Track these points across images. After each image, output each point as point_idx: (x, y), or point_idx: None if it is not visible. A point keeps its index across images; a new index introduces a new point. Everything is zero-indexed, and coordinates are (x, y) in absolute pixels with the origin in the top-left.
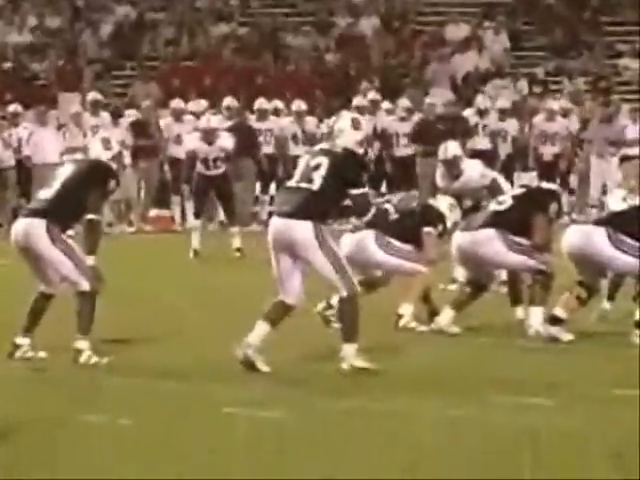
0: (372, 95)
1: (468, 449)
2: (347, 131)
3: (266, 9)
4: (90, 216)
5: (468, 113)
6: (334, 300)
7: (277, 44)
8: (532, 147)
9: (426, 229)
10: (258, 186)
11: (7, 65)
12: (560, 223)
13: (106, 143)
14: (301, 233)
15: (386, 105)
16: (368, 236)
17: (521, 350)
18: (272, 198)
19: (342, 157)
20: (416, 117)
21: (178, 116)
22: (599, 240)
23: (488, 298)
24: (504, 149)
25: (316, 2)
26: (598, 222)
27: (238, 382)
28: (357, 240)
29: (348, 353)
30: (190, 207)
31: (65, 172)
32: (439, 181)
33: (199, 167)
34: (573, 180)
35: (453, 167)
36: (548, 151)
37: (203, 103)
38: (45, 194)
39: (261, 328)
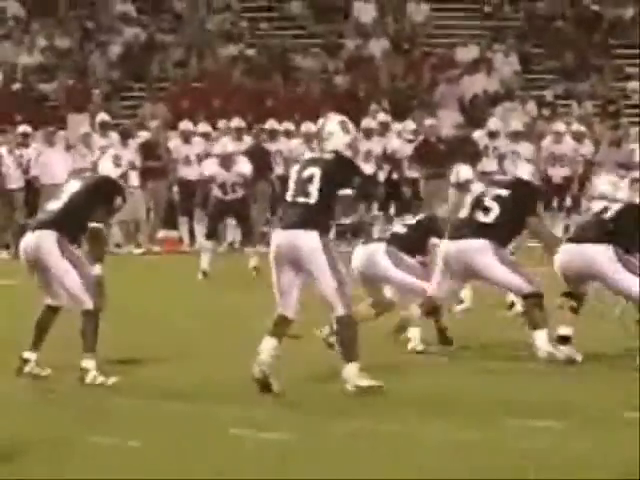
0: (381, 117)
1: (475, 472)
2: (336, 134)
3: (275, 31)
4: (91, 225)
5: (477, 135)
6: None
7: (286, 65)
8: (541, 170)
9: (433, 240)
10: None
11: (16, 86)
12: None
13: (116, 160)
14: (308, 243)
15: (396, 127)
16: (379, 250)
17: (530, 373)
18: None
19: (332, 163)
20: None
21: (187, 137)
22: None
23: (497, 319)
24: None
25: (325, 24)
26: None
27: (245, 403)
28: (368, 254)
29: (350, 373)
30: (200, 229)
31: (73, 186)
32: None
33: (216, 191)
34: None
35: (465, 191)
36: (557, 173)
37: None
38: (53, 206)
39: (269, 343)
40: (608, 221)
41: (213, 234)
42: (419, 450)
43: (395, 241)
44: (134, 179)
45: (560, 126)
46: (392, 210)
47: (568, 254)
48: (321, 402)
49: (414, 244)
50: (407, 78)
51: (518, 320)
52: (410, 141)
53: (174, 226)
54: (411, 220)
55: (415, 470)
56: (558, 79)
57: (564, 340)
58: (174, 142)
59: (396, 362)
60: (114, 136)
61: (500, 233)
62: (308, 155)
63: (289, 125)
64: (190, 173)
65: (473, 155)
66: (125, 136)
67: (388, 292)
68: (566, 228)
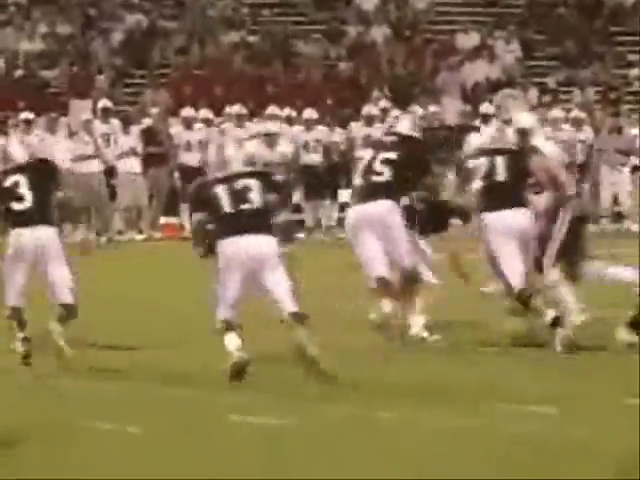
0: (383, 104)
1: (471, 458)
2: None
3: (277, 17)
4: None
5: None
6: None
7: (288, 52)
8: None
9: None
10: None
11: (18, 73)
12: None
13: None
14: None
15: (395, 113)
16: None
17: (526, 358)
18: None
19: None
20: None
21: (188, 124)
22: None
23: (492, 307)
24: None
25: (327, 11)
26: None
27: (244, 389)
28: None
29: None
30: None
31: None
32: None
33: None
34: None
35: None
36: None
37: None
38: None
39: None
40: None
41: None
42: (416, 436)
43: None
44: (136, 166)
45: (558, 113)
46: None
47: None
48: (319, 388)
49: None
50: (408, 65)
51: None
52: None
53: (175, 212)
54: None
55: (412, 456)
56: (560, 66)
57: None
58: (175, 128)
59: (392, 348)
60: (115, 123)
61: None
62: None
63: (290, 111)
64: (191, 159)
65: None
66: (127, 123)
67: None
68: None
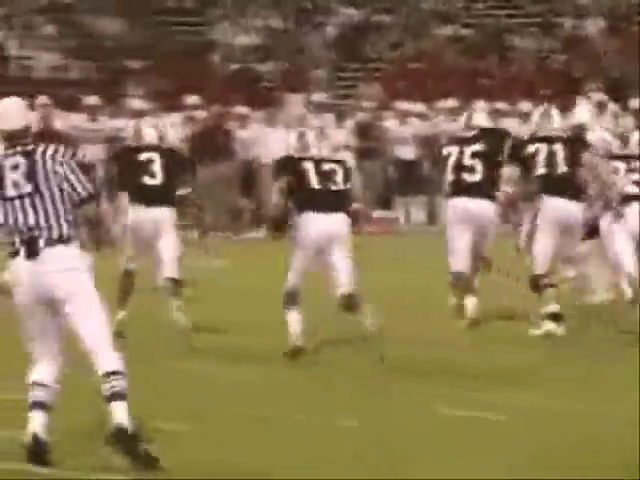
0: (598, 97)
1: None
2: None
3: (491, 10)
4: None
5: None
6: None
7: (502, 45)
8: None
9: None
10: None
11: (233, 66)
12: None
13: None
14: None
15: (612, 107)
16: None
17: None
18: None
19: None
20: None
21: (403, 118)
22: None
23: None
24: None
25: (542, 3)
26: None
27: (445, 377)
28: None
29: None
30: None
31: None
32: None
33: None
34: None
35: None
36: None
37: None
38: None
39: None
40: None
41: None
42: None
43: None
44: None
45: None
46: None
47: None
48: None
49: None
50: (623, 57)
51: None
52: None
53: (389, 206)
54: None
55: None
56: None
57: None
58: (390, 122)
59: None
60: (329, 117)
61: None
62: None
63: (504, 105)
64: (406, 153)
65: None
66: (340, 117)
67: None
68: None
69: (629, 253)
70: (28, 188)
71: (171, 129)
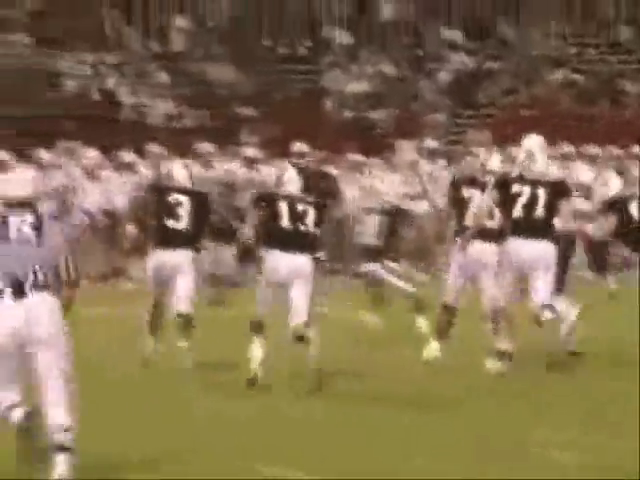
0: None
1: None
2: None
3: (603, 56)
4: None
5: None
6: None
7: (614, 91)
8: None
9: None
10: None
11: (346, 114)
12: None
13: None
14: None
15: None
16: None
17: None
18: None
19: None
20: None
21: (512, 161)
22: None
23: None
24: None
25: None
26: None
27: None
28: None
29: None
30: None
31: None
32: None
33: None
34: None
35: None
36: None
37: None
38: None
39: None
40: None
41: None
42: None
43: None
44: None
45: None
46: None
47: None
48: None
49: None
50: None
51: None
52: None
53: None
54: None
55: None
56: None
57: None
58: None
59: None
60: (441, 162)
61: None
62: None
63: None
64: None
65: None
66: (451, 162)
67: None
68: None
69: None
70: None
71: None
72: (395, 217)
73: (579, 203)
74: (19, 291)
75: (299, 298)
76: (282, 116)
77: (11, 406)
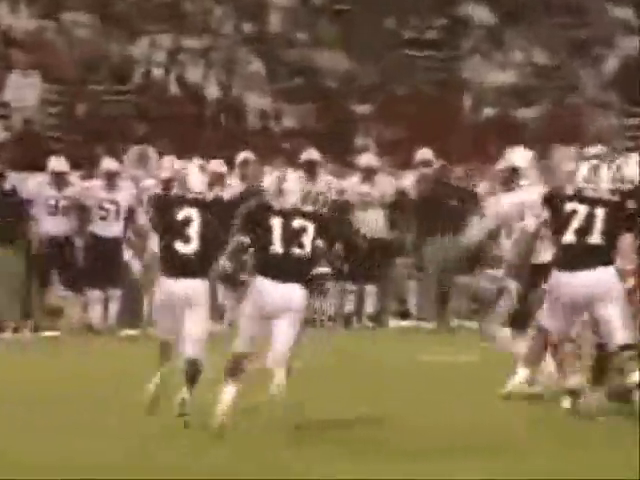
0: None
1: None
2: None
3: None
4: None
5: None
6: None
7: None
8: None
9: None
10: None
11: (487, 111)
12: None
13: None
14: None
15: None
16: None
17: None
18: None
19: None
20: None
21: None
22: None
23: None
24: None
25: None
26: None
27: None
28: None
29: None
30: None
31: None
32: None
33: None
34: None
35: None
36: None
37: None
38: None
39: None
40: None
41: None
42: None
43: None
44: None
45: None
46: None
47: None
48: None
49: None
50: None
51: None
52: None
53: None
54: None
55: None
56: None
57: None
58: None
59: None
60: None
61: None
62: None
63: None
64: None
65: None
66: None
67: None
68: None
69: None
70: None
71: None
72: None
73: None
74: None
75: (284, 333)
76: (406, 115)
77: None
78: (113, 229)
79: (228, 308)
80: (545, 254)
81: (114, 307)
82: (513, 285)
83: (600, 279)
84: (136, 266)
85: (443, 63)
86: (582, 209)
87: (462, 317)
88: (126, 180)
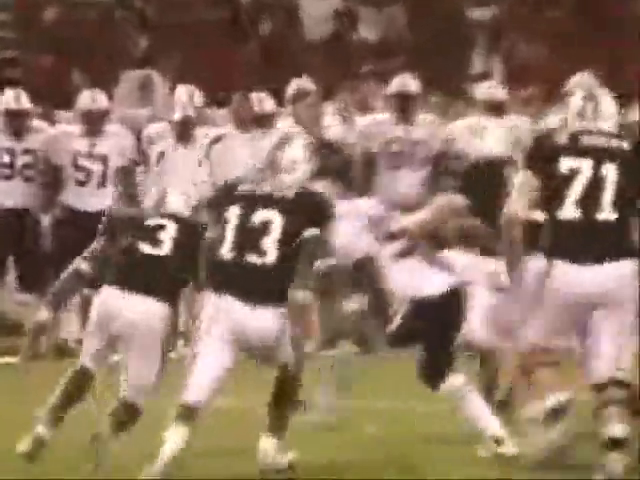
0: None
1: None
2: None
3: None
4: None
5: None
6: None
7: None
8: None
9: None
10: None
11: None
12: None
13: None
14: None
15: None
16: None
17: None
18: None
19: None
20: None
21: None
22: None
23: None
24: None
25: None
26: None
27: None
28: None
29: None
30: None
31: None
32: None
33: None
34: None
35: None
36: None
37: None
38: None
39: None
40: None
41: None
42: None
43: None
44: None
45: None
46: None
47: None
48: None
49: None
50: None
51: None
52: None
53: None
54: None
55: None
56: None
57: None
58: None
59: None
60: None
61: None
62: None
63: None
64: None
65: None
66: None
67: None
68: None
69: None
70: None
71: None
72: None
73: None
74: None
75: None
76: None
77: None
78: (97, 200)
79: None
80: None
81: None
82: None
83: (610, 276)
84: None
85: None
86: (585, 166)
87: None
88: (118, 124)
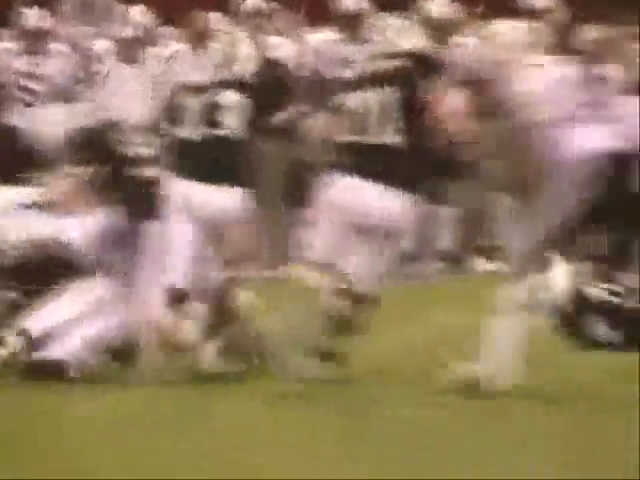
0: None
1: None
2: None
3: None
4: None
5: None
6: None
7: None
8: None
9: None
10: None
11: None
12: None
13: None
14: None
15: None
16: None
17: None
18: None
19: None
20: None
21: None
22: None
23: None
24: None
25: None
26: None
27: None
28: None
29: None
30: None
31: None
32: None
33: None
34: None
35: None
36: None
37: None
38: None
39: None
40: None
41: None
42: None
43: None
44: None
45: None
46: None
47: None
48: None
49: None
50: None
51: None
52: None
53: None
54: None
55: None
56: None
57: None
58: None
59: None
60: None
61: None
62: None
63: None
64: None
65: None
66: None
67: None
68: None
69: None
70: None
71: None
72: None
73: None
74: None
75: None
76: None
77: None
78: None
79: None
80: None
81: None
82: None
83: None
84: None
85: None
86: None
87: None
88: (64, 42)
